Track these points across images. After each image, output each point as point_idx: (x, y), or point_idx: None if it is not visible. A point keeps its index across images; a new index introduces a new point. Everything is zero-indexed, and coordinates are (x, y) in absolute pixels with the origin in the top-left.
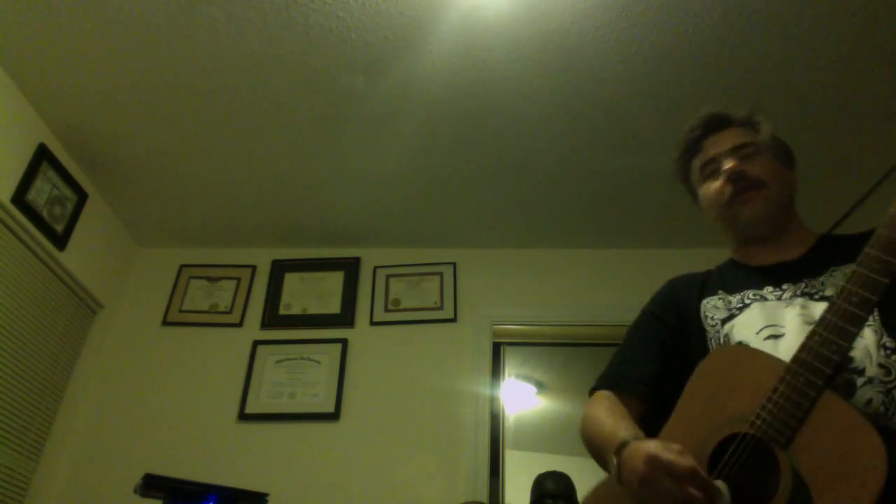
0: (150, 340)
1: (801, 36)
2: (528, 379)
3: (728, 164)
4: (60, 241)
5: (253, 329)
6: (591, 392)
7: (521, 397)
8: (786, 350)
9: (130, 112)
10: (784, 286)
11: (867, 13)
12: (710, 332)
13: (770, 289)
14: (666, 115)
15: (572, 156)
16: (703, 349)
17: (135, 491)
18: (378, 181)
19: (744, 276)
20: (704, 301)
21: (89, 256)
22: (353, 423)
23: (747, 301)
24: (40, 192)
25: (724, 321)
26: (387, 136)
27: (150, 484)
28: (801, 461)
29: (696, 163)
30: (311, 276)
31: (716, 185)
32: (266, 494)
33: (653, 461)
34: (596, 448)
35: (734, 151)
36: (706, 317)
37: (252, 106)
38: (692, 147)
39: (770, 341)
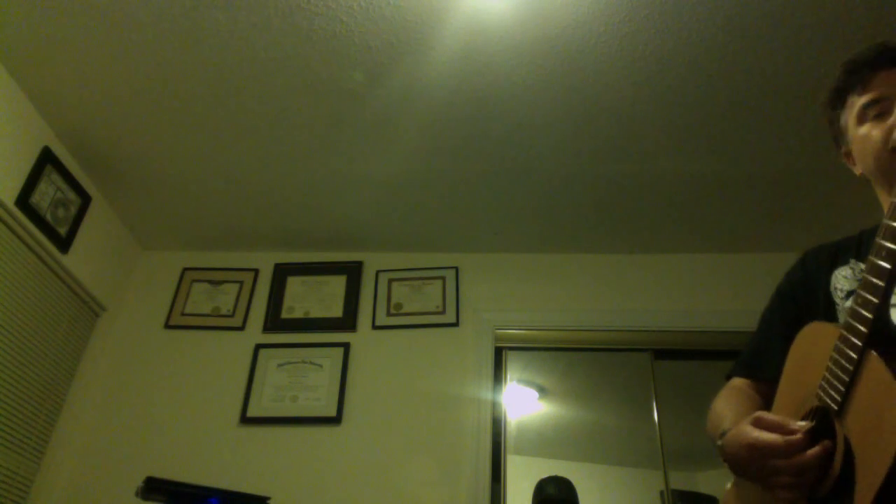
0: (152, 343)
1: (805, 40)
2: (530, 384)
3: None
4: (64, 243)
5: (255, 332)
6: (727, 378)
7: (522, 402)
8: None
9: (134, 116)
10: None
11: (870, 17)
12: (840, 304)
13: None
14: (670, 120)
15: (575, 160)
16: (834, 320)
17: (136, 494)
18: (381, 185)
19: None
20: (836, 271)
21: (92, 259)
22: (355, 427)
23: None
24: (44, 195)
25: (850, 293)
26: (390, 140)
27: (152, 487)
28: (850, 428)
29: (858, 100)
30: (313, 280)
31: (880, 128)
32: (267, 498)
33: (751, 447)
34: (710, 439)
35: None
36: (835, 289)
37: (255, 110)
38: (854, 81)
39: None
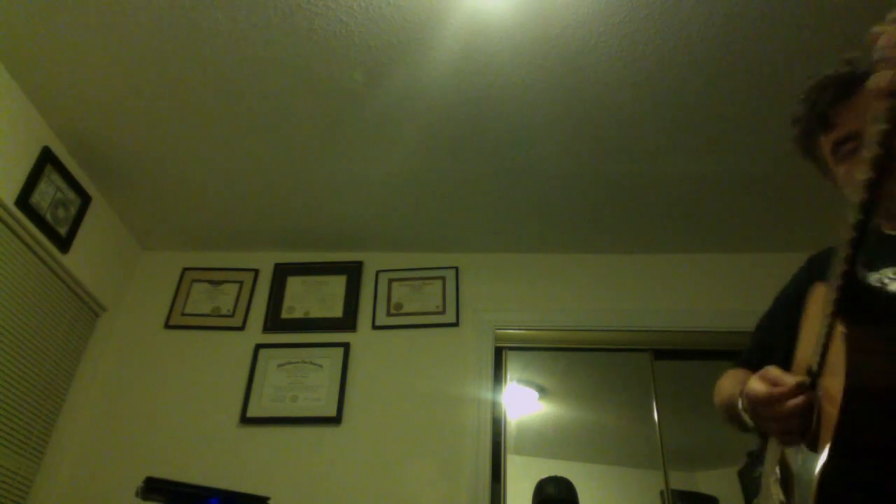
0: (152, 343)
1: (804, 40)
2: (530, 384)
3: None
4: (64, 243)
5: (255, 332)
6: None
7: (522, 402)
8: None
9: (134, 116)
10: None
11: (870, 17)
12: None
13: None
14: (669, 120)
15: (575, 160)
16: None
17: (136, 494)
18: (381, 185)
19: (887, 251)
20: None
21: (92, 259)
22: (355, 427)
23: (886, 281)
24: (44, 195)
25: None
26: (390, 140)
27: (152, 487)
28: (822, 387)
29: (825, 140)
30: (313, 280)
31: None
32: (267, 498)
33: (745, 396)
34: (724, 410)
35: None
36: None
37: (255, 110)
38: (816, 123)
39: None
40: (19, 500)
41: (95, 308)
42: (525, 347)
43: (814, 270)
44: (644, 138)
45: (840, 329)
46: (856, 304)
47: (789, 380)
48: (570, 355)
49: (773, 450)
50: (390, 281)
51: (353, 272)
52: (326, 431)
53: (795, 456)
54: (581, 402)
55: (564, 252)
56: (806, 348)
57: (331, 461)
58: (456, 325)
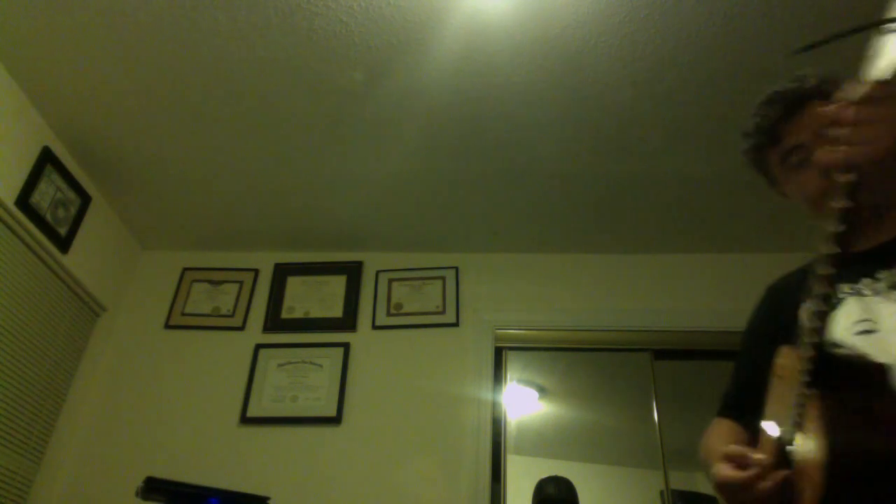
0: (152, 343)
1: (804, 40)
2: (530, 384)
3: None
4: (64, 243)
5: (255, 332)
6: (718, 413)
7: (522, 402)
8: (883, 346)
9: (134, 115)
10: (880, 275)
11: (869, 17)
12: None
13: (867, 281)
14: (669, 120)
15: (575, 160)
16: None
17: (136, 494)
18: (381, 185)
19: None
20: (804, 306)
21: (92, 259)
22: (355, 427)
23: (843, 295)
24: (44, 195)
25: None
26: (389, 140)
27: (152, 487)
28: (799, 470)
29: (773, 153)
30: (313, 280)
31: (806, 177)
32: (267, 498)
33: (719, 486)
34: (708, 476)
35: (820, 136)
36: (804, 327)
37: (255, 109)
38: (764, 140)
39: (862, 336)
40: (19, 500)
41: (95, 308)
42: (525, 347)
43: (774, 303)
44: (644, 138)
45: (814, 400)
46: (827, 370)
47: (758, 459)
48: (570, 355)
49: None
50: (390, 281)
51: (353, 272)
52: (326, 431)
53: None
54: (581, 402)
55: (564, 252)
56: (774, 411)
57: (331, 461)
58: (456, 325)
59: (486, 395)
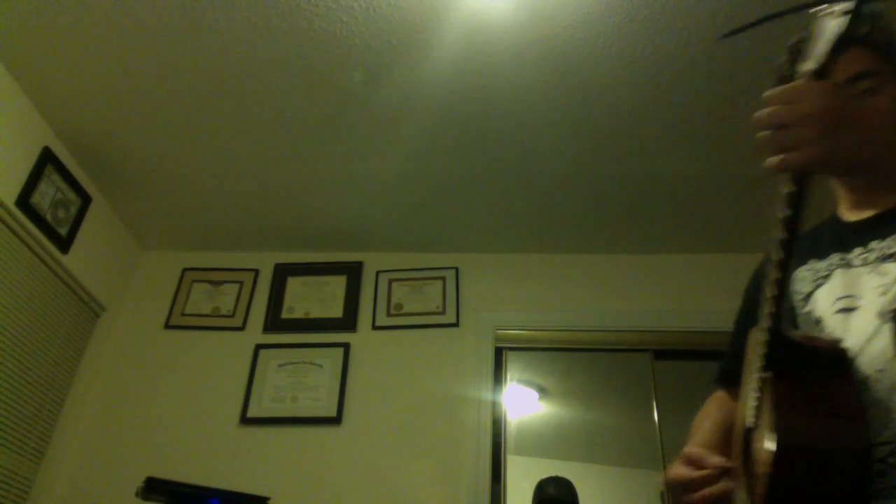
0: (152, 344)
1: None
2: (530, 384)
3: None
4: (64, 244)
5: (255, 333)
6: (714, 382)
7: (523, 402)
8: (857, 327)
9: (134, 116)
10: (872, 245)
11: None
12: (798, 309)
13: (859, 250)
14: (670, 120)
15: (575, 160)
16: (795, 327)
17: (137, 494)
18: (381, 185)
19: (836, 237)
20: (795, 272)
21: (92, 259)
22: (355, 427)
23: (832, 267)
24: (44, 195)
25: (808, 295)
26: (390, 140)
27: (152, 487)
28: (755, 448)
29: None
30: (313, 280)
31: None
32: (267, 498)
33: (668, 484)
34: None
35: (851, 83)
36: (794, 291)
37: (255, 110)
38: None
39: (840, 315)
40: (19, 500)
41: (95, 308)
42: (525, 347)
43: (756, 278)
44: (644, 138)
45: (769, 385)
46: (784, 355)
47: (713, 461)
48: (570, 355)
49: None
50: (390, 281)
51: (353, 272)
52: (326, 431)
53: None
54: (581, 402)
55: (565, 252)
56: (745, 393)
57: (331, 461)
58: (456, 325)
59: (487, 395)
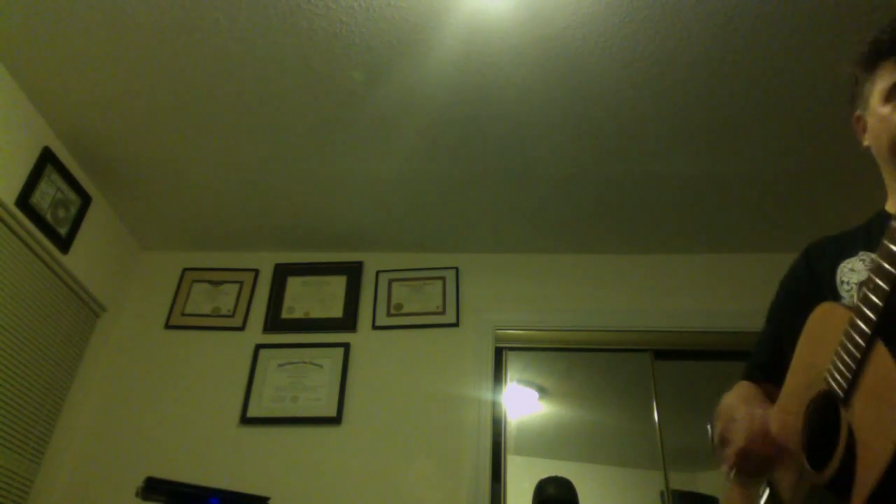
0: (152, 344)
1: (804, 40)
2: (530, 384)
3: None
4: (64, 244)
5: (255, 333)
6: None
7: (523, 402)
8: None
9: (134, 116)
10: None
11: (870, 18)
12: (846, 298)
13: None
14: (670, 120)
15: (574, 160)
16: None
17: (137, 494)
18: (381, 185)
19: (884, 229)
20: (842, 264)
21: (92, 259)
22: (355, 427)
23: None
24: (44, 195)
25: (859, 286)
26: (390, 140)
27: (152, 487)
28: (854, 416)
29: (890, 75)
30: (313, 280)
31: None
32: (267, 498)
33: (738, 421)
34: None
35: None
36: (841, 282)
37: (255, 109)
38: (876, 59)
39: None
40: (19, 500)
41: (95, 308)
42: (525, 347)
43: (813, 259)
44: (644, 138)
45: (884, 357)
46: (892, 326)
47: (781, 441)
48: (570, 355)
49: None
50: (390, 281)
51: (353, 272)
52: (327, 432)
53: (796, 485)
54: (581, 402)
55: (565, 252)
56: (806, 369)
57: (331, 461)
58: (456, 325)
59: (487, 395)
